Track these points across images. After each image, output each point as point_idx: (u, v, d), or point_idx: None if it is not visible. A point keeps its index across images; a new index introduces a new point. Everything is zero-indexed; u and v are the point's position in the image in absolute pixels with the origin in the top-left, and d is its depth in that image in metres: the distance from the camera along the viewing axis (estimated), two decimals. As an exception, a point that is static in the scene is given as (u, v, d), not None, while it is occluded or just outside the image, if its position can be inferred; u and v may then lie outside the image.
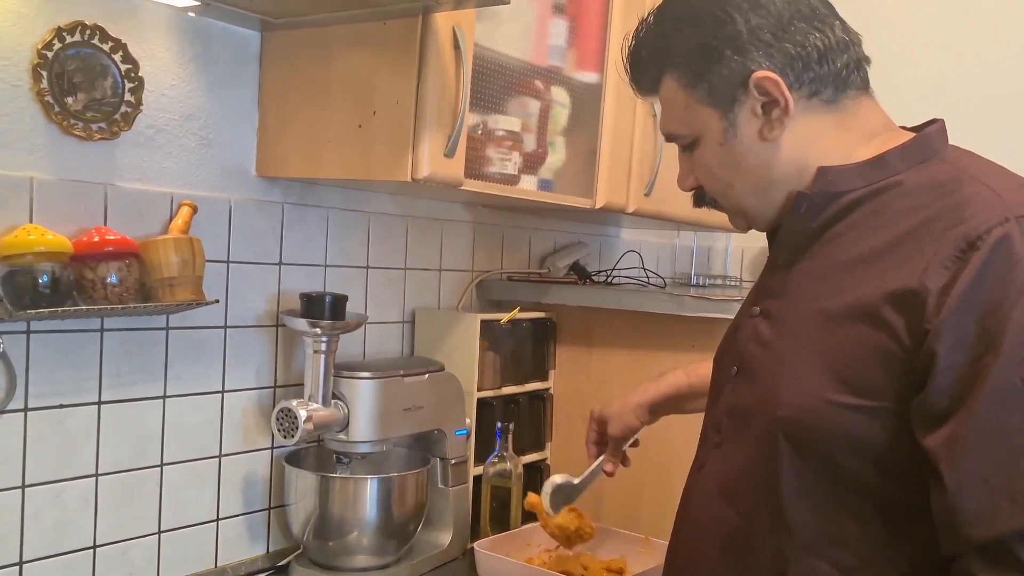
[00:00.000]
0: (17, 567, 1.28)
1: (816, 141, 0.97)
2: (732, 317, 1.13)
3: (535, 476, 1.95)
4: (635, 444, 1.42)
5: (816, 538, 0.92)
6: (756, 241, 1.29)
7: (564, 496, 1.44)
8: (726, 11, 0.94)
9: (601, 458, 1.41)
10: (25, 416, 1.27)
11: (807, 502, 0.92)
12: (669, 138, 1.06)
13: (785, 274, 1.01)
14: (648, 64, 1.03)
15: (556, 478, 1.45)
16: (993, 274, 0.82)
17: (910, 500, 0.88)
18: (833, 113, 0.97)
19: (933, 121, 0.99)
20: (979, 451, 0.81)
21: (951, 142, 0.98)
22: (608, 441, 1.40)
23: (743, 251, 2.78)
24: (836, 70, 0.95)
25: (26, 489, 1.28)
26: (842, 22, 0.97)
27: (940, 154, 0.95)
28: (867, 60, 0.99)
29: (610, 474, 1.40)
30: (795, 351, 0.95)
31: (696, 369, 1.36)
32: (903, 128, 1.00)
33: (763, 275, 1.08)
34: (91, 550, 1.37)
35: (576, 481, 1.43)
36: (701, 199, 1.08)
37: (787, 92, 0.94)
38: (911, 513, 0.89)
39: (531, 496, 1.53)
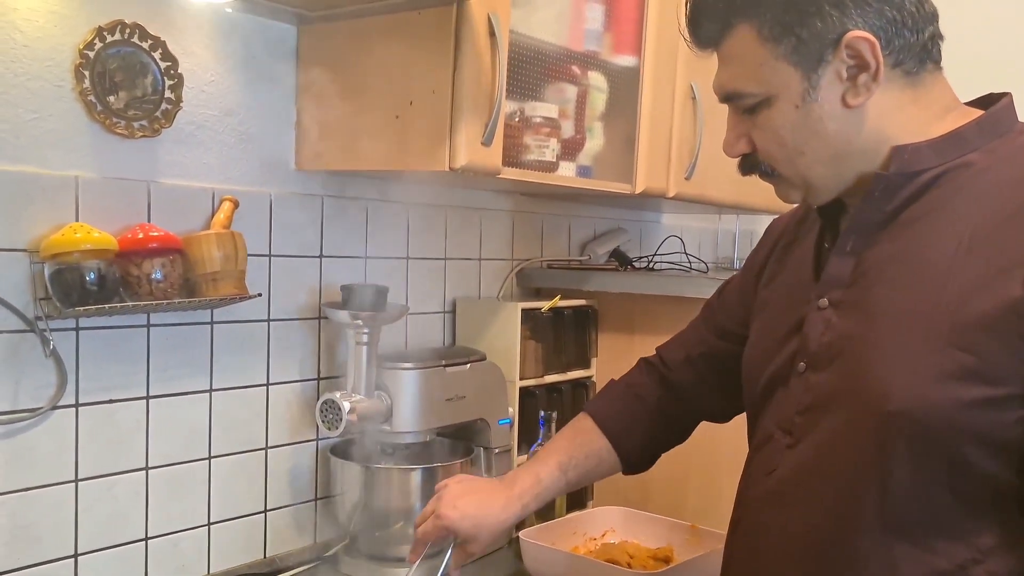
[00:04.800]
0: (72, 559, 1.31)
1: (895, 114, 0.92)
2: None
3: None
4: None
5: (931, 533, 0.88)
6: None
7: None
8: None
9: (449, 559, 1.22)
10: (76, 411, 1.30)
11: (922, 498, 0.88)
12: (728, 97, 0.97)
13: (856, 261, 0.95)
14: (719, 9, 0.94)
15: None
16: None
17: None
18: (912, 86, 0.92)
19: (992, 94, 0.96)
20: None
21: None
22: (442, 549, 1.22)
23: (786, 234, 2.73)
24: (923, 40, 0.91)
25: (79, 483, 1.31)
26: None
27: (1015, 127, 0.93)
28: (942, 36, 0.94)
29: None
30: (898, 341, 0.88)
31: (576, 453, 1.24)
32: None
33: (819, 264, 1.01)
34: (143, 542, 1.39)
35: None
36: (750, 166, 1.00)
37: (880, 56, 0.88)
38: None
39: None
